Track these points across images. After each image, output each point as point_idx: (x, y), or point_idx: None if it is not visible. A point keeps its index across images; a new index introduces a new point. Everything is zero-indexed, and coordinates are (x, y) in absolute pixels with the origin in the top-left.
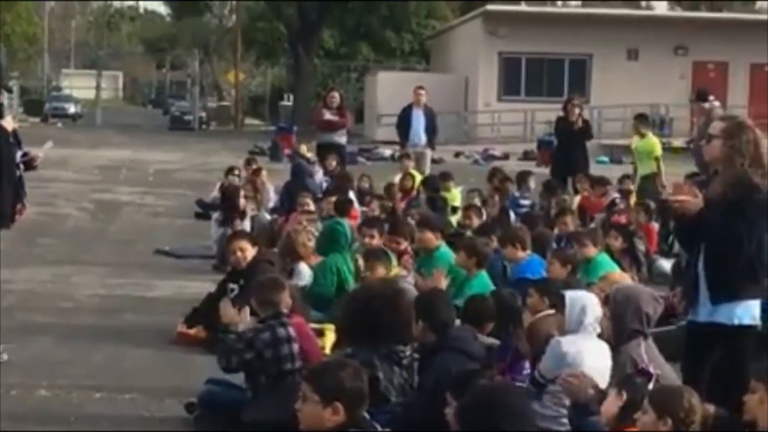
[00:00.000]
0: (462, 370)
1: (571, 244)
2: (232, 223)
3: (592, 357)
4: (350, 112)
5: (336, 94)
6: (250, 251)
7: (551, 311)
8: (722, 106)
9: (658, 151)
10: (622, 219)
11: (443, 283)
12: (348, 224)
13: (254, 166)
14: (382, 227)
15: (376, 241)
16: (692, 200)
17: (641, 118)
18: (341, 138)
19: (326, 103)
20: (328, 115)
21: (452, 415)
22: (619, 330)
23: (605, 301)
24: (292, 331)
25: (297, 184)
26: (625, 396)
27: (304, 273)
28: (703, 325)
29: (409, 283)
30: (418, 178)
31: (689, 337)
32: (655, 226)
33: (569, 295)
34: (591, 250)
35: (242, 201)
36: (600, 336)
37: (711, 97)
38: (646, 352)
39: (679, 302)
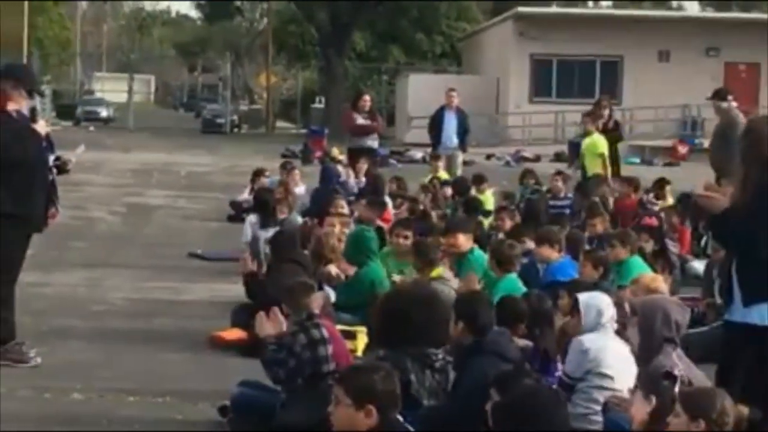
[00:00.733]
0: (508, 369)
1: (603, 245)
2: (268, 225)
3: (613, 353)
4: (381, 116)
5: (368, 98)
6: None
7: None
8: (755, 107)
9: (602, 148)
10: (653, 221)
11: (476, 285)
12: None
13: (294, 171)
14: (415, 228)
15: (409, 242)
16: (718, 197)
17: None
18: (373, 142)
19: (358, 108)
20: (360, 120)
21: (489, 411)
22: (650, 340)
23: (633, 311)
24: (325, 332)
25: (326, 187)
26: (653, 400)
27: (333, 274)
28: (737, 326)
29: (450, 284)
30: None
31: (725, 337)
32: (688, 227)
33: (582, 298)
34: (622, 252)
35: (277, 202)
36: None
37: (730, 98)
38: (679, 359)
39: (710, 310)
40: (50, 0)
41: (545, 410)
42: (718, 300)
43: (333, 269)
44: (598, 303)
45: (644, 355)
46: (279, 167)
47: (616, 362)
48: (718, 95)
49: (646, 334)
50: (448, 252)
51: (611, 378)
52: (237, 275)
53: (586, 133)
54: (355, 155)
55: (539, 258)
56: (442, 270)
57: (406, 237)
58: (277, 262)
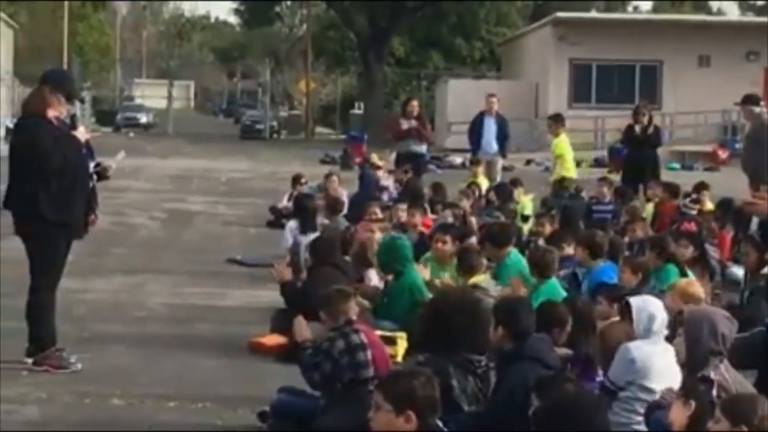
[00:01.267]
0: (549, 374)
1: (643, 250)
2: (308, 230)
3: (660, 361)
4: (428, 123)
5: (415, 103)
6: None
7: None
8: None
9: (563, 150)
10: (692, 226)
11: (522, 290)
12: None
13: (332, 178)
14: (455, 233)
15: (449, 247)
16: (764, 204)
17: (555, 118)
18: (421, 147)
19: (406, 113)
20: (405, 125)
21: (530, 415)
22: (696, 353)
23: (680, 321)
24: (364, 338)
25: (364, 193)
26: (693, 405)
27: (374, 280)
28: None
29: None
30: (484, 185)
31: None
32: (729, 232)
33: (635, 302)
34: (660, 258)
35: (318, 206)
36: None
37: (762, 103)
38: (726, 371)
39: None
40: (92, 1)
41: (586, 415)
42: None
43: (374, 275)
44: (651, 308)
45: (690, 368)
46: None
47: (662, 373)
48: (750, 100)
49: (693, 346)
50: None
51: (655, 392)
52: (276, 281)
53: (555, 134)
54: (404, 161)
55: (581, 262)
56: (483, 278)
57: (444, 242)
58: (317, 267)
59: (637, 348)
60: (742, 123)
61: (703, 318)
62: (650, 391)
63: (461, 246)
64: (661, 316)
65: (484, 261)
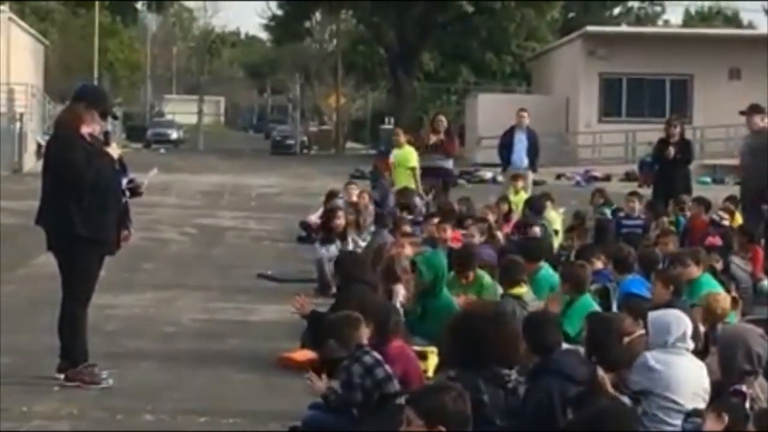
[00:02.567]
0: (583, 389)
1: (675, 264)
2: (327, 242)
3: (683, 373)
4: (456, 139)
5: (443, 118)
6: None
7: (643, 331)
8: None
9: (413, 162)
10: (716, 240)
11: (556, 306)
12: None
13: (358, 191)
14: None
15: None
16: None
17: (398, 127)
18: (447, 162)
19: (433, 128)
20: (433, 140)
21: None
22: (730, 371)
23: (712, 340)
24: (376, 354)
25: (380, 205)
26: (726, 418)
27: (400, 294)
28: None
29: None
30: (515, 200)
31: None
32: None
33: (651, 314)
34: (694, 271)
35: (341, 222)
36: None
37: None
38: (762, 390)
39: None
40: (122, 18)
41: (619, 427)
42: None
43: (401, 290)
44: (667, 320)
45: (725, 388)
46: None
47: (687, 385)
48: (757, 110)
49: (727, 366)
50: None
51: (681, 405)
52: (306, 297)
53: (398, 145)
54: (427, 175)
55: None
56: (525, 290)
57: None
58: (346, 285)
59: (656, 357)
60: None
61: (737, 338)
62: (675, 402)
63: (506, 258)
64: (682, 328)
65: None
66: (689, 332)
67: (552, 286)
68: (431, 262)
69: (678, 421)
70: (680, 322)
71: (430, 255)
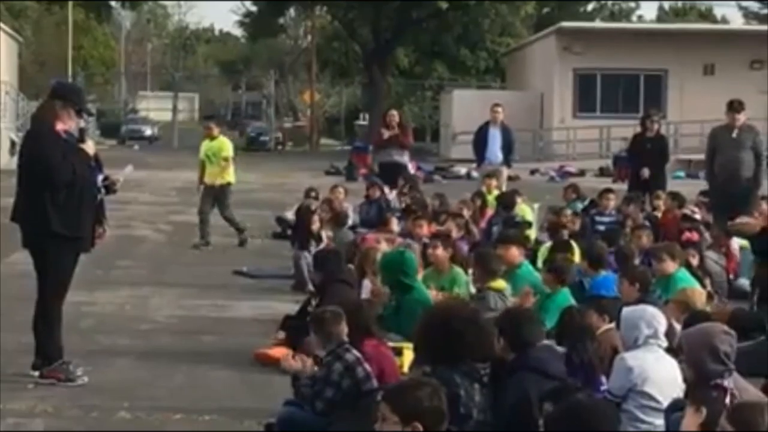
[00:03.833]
0: (560, 384)
1: (649, 259)
2: (305, 246)
3: (658, 369)
4: (411, 130)
5: (394, 112)
6: None
7: (611, 325)
8: None
9: (227, 151)
10: (693, 236)
11: (530, 300)
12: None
13: (337, 190)
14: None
15: (440, 252)
16: (751, 222)
17: (211, 119)
18: (402, 157)
19: (385, 123)
20: (386, 134)
21: (543, 421)
22: (700, 377)
23: (680, 347)
24: (356, 352)
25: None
26: (704, 412)
27: (367, 289)
28: None
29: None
30: (489, 196)
31: None
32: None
33: (623, 312)
34: (669, 266)
35: (316, 224)
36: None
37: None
38: (734, 383)
39: None
40: (96, 15)
41: (598, 421)
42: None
43: (368, 285)
44: (637, 316)
45: (697, 383)
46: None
47: (664, 381)
48: (740, 107)
49: (695, 371)
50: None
51: (658, 401)
52: (282, 293)
53: (210, 136)
54: (385, 171)
55: (585, 273)
56: (504, 284)
57: (436, 247)
58: (327, 285)
59: (634, 357)
60: None
61: (702, 340)
62: (651, 398)
63: (479, 250)
64: (654, 325)
65: (503, 267)
66: (662, 329)
67: (532, 284)
68: (388, 265)
69: (658, 421)
70: (652, 319)
71: (389, 255)
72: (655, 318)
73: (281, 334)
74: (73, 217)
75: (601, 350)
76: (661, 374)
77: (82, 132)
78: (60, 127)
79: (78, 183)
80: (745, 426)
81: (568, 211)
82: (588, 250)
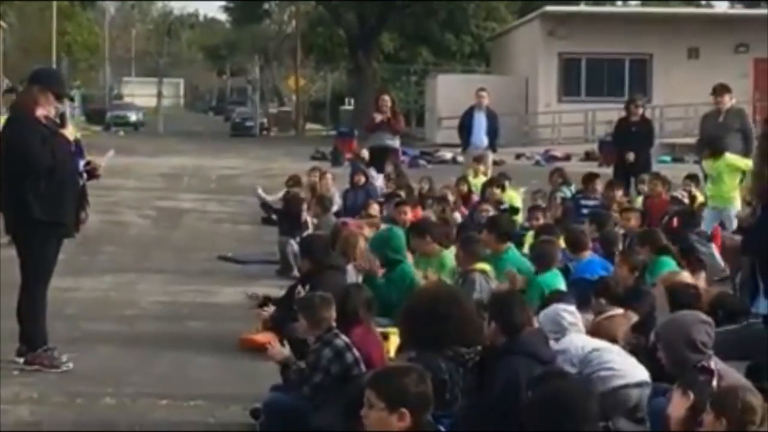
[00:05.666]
0: (546, 370)
1: (636, 245)
2: (292, 232)
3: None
4: (402, 116)
5: (386, 97)
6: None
7: (619, 311)
8: None
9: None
10: (672, 223)
11: (519, 283)
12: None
13: (317, 173)
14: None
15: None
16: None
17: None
18: (393, 141)
19: (378, 108)
20: (378, 118)
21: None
22: (677, 364)
23: (657, 337)
24: (345, 338)
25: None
26: (691, 396)
27: (351, 275)
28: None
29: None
30: (474, 181)
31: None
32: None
33: (543, 313)
34: (650, 251)
35: (305, 213)
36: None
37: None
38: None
39: None
40: (80, 0)
41: (575, 404)
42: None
43: (352, 270)
44: (555, 312)
45: (676, 374)
46: (307, 171)
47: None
48: (725, 90)
49: (673, 363)
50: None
51: (615, 369)
52: (268, 278)
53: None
54: (376, 155)
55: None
56: (487, 266)
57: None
58: (315, 273)
59: (561, 342)
60: None
61: (677, 331)
62: (600, 360)
63: (465, 234)
64: (570, 317)
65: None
66: (581, 324)
67: (519, 269)
68: (376, 241)
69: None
70: (566, 311)
71: (378, 233)
72: (567, 310)
73: (264, 314)
74: (55, 204)
75: (602, 337)
76: (591, 343)
77: (62, 117)
78: (40, 112)
79: (59, 168)
80: (721, 409)
81: (558, 197)
82: (568, 233)
